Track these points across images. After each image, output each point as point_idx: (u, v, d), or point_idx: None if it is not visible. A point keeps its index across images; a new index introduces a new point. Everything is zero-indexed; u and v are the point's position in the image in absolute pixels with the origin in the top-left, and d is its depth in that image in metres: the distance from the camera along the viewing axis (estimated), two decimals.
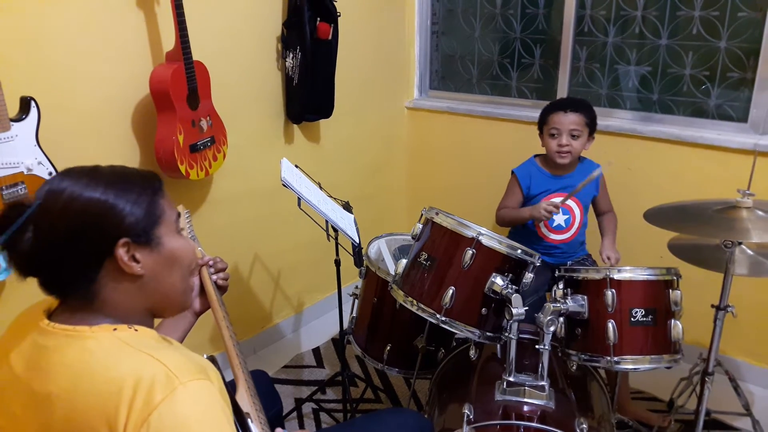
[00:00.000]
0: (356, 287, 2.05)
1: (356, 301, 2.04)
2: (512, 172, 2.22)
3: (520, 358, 1.63)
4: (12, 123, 1.60)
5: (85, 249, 0.88)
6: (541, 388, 1.53)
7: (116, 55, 1.92)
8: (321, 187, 2.03)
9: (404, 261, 1.69)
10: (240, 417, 0.95)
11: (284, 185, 1.78)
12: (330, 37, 2.44)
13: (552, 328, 1.51)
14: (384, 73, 2.99)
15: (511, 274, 1.55)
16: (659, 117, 2.50)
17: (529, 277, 1.56)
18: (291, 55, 2.41)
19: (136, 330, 0.91)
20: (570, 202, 2.10)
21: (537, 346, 1.54)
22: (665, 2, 2.39)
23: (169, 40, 1.98)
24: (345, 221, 1.94)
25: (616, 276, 1.60)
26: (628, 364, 1.59)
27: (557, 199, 2.05)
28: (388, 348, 1.88)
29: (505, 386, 1.55)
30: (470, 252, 1.52)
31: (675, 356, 1.61)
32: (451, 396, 1.68)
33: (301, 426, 2.21)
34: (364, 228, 2.12)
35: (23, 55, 1.71)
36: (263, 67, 2.41)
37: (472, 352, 1.73)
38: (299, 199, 1.80)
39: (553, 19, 2.70)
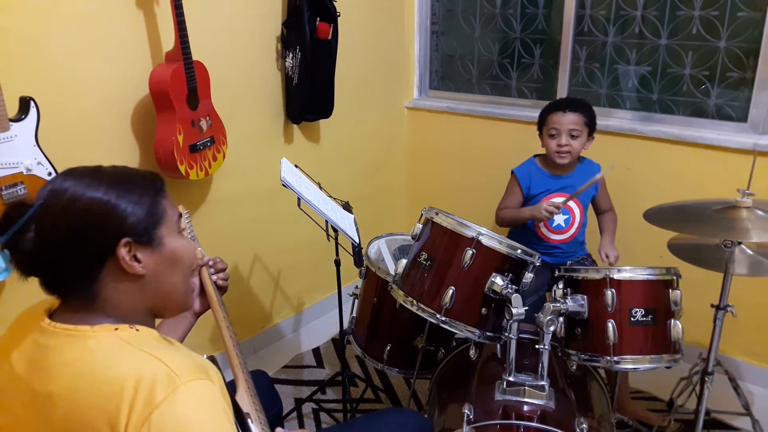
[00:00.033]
0: (356, 287, 2.05)
1: (356, 301, 2.04)
2: (512, 172, 2.22)
3: (520, 357, 1.63)
4: (11, 123, 1.60)
5: (86, 249, 0.88)
6: (541, 388, 1.53)
7: (116, 55, 1.92)
8: (321, 187, 2.03)
9: (404, 261, 1.69)
10: (240, 417, 0.95)
11: (284, 185, 1.78)
12: (330, 37, 2.44)
13: (552, 328, 1.51)
14: (384, 73, 2.99)
15: (511, 274, 1.55)
16: (659, 117, 2.50)
17: (529, 277, 1.56)
18: (291, 55, 2.41)
19: (137, 330, 0.91)
20: (570, 203, 2.10)
21: (537, 346, 1.54)
22: (665, 2, 2.40)
23: (168, 40, 1.98)
24: (345, 221, 1.94)
25: (616, 276, 1.60)
26: (628, 363, 1.59)
27: (558, 200, 2.05)
28: (388, 348, 1.88)
29: (505, 386, 1.55)
30: (470, 252, 1.52)
31: (675, 356, 1.61)
32: (451, 396, 1.68)
33: (301, 426, 2.21)
34: (364, 228, 2.12)
35: (23, 54, 1.71)
36: (263, 67, 2.41)
37: (472, 352, 1.73)
38: (299, 199, 1.80)
39: (553, 19, 2.70)
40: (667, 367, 1.61)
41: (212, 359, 0.94)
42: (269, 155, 2.47)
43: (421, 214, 1.68)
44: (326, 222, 1.88)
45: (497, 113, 2.85)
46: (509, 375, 1.55)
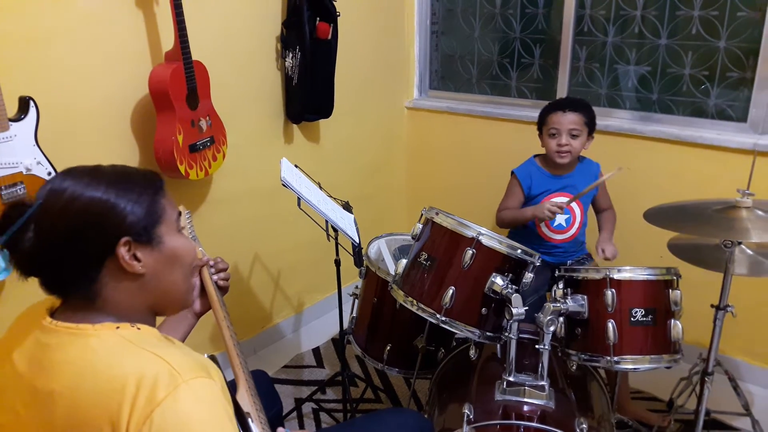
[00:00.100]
0: (356, 287, 2.05)
1: (356, 301, 2.04)
2: (512, 173, 2.22)
3: (520, 357, 1.63)
4: (11, 123, 1.60)
5: (86, 248, 0.88)
6: (541, 388, 1.53)
7: (115, 54, 1.91)
8: (321, 187, 2.03)
9: (404, 261, 1.69)
10: (241, 417, 0.95)
11: (284, 185, 1.78)
12: (329, 37, 2.44)
13: (552, 328, 1.51)
14: (384, 73, 2.99)
15: (511, 274, 1.55)
16: (659, 117, 2.50)
17: (529, 276, 1.56)
18: (290, 55, 2.41)
19: (138, 328, 0.91)
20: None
21: (537, 346, 1.54)
22: (665, 2, 2.40)
23: (168, 40, 1.98)
24: (345, 221, 1.94)
25: (616, 276, 1.60)
26: (628, 363, 1.59)
27: (559, 200, 2.06)
28: (388, 348, 1.88)
29: (505, 386, 1.55)
30: (470, 252, 1.52)
31: (675, 356, 1.61)
32: (451, 396, 1.68)
33: (301, 426, 2.21)
34: (364, 228, 2.12)
35: (22, 55, 1.71)
36: (263, 66, 2.41)
37: (472, 352, 1.73)
38: (299, 199, 1.80)
39: (553, 19, 2.70)
40: (667, 368, 1.61)
41: (213, 358, 0.94)
42: (269, 155, 2.47)
43: (421, 214, 1.68)
44: (326, 222, 1.88)
45: (497, 113, 2.85)
46: (509, 375, 1.55)
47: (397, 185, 3.26)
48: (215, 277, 1.32)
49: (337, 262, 2.06)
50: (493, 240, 1.53)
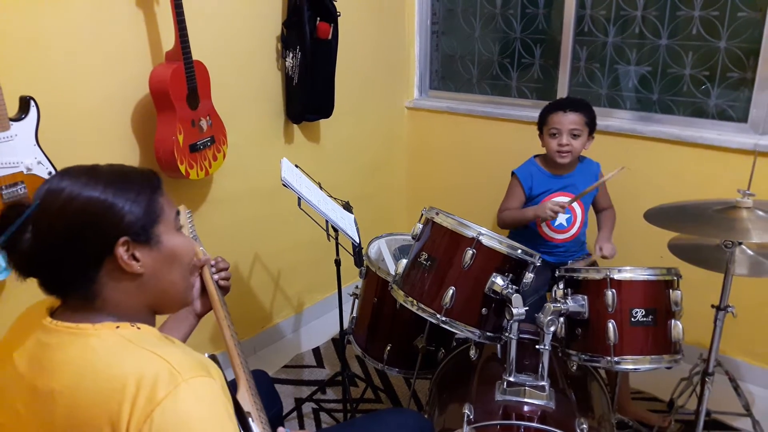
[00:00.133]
0: (356, 287, 2.05)
1: (356, 301, 2.04)
2: (513, 173, 2.22)
3: (521, 358, 1.63)
4: (11, 122, 1.60)
5: (84, 248, 0.88)
6: (542, 388, 1.53)
7: (116, 54, 1.91)
8: (321, 187, 2.03)
9: (404, 261, 1.69)
10: (241, 416, 0.95)
11: (284, 185, 1.78)
12: (330, 37, 2.44)
13: (552, 328, 1.51)
14: (384, 73, 2.99)
15: (511, 274, 1.55)
16: (659, 117, 2.50)
17: (529, 277, 1.56)
18: (291, 55, 2.41)
19: (138, 328, 0.91)
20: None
21: (537, 346, 1.54)
22: (665, 2, 2.40)
23: (168, 40, 1.98)
24: (345, 221, 1.94)
25: (617, 276, 1.60)
26: (629, 364, 1.59)
27: (563, 200, 2.06)
28: (389, 348, 1.88)
29: (505, 386, 1.55)
30: (470, 252, 1.52)
31: (675, 356, 1.61)
32: (452, 396, 1.67)
33: (301, 426, 2.21)
34: (364, 228, 2.12)
35: (23, 54, 1.71)
36: (263, 66, 2.41)
37: (472, 352, 1.73)
38: (299, 198, 1.80)
39: (553, 19, 2.70)
40: (668, 368, 1.61)
41: (213, 358, 0.94)
42: (269, 155, 2.46)
43: (422, 214, 1.68)
44: (326, 222, 1.88)
45: (497, 113, 2.85)
46: (509, 375, 1.54)
47: (397, 185, 3.26)
48: (216, 276, 1.32)
49: (338, 262, 2.06)
50: (494, 240, 1.53)
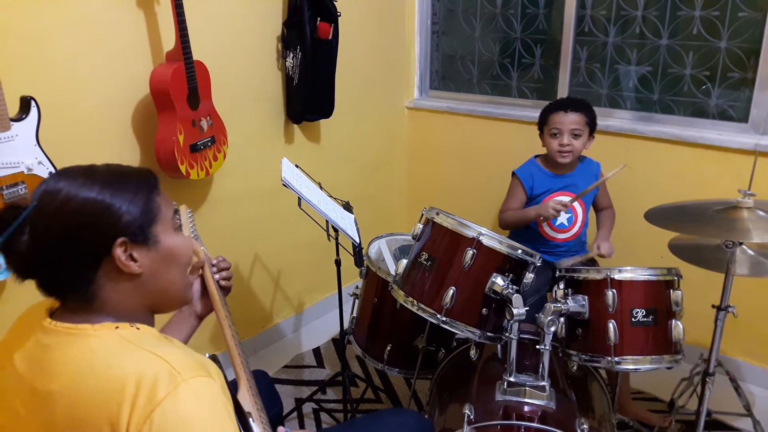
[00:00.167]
0: (357, 287, 2.05)
1: (356, 301, 2.04)
2: (514, 174, 2.22)
3: (521, 358, 1.63)
4: (12, 123, 1.60)
5: (82, 249, 0.87)
6: (542, 389, 1.53)
7: (116, 54, 1.91)
8: (321, 187, 2.03)
9: (405, 261, 1.69)
10: (242, 416, 0.95)
11: (284, 185, 1.78)
12: (330, 37, 2.44)
13: (553, 329, 1.51)
14: (384, 73, 2.99)
15: (511, 274, 1.55)
16: (659, 117, 2.50)
17: (529, 277, 1.56)
18: (291, 55, 2.41)
19: (137, 328, 0.91)
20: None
21: (538, 347, 1.54)
22: (666, 2, 2.39)
23: (169, 40, 1.98)
24: (345, 221, 1.94)
25: (617, 276, 1.60)
26: (629, 364, 1.59)
27: (563, 198, 2.06)
28: (389, 348, 1.88)
29: (505, 386, 1.55)
30: (471, 252, 1.52)
31: (676, 356, 1.61)
32: (452, 396, 1.67)
33: (302, 426, 2.21)
34: (365, 228, 2.12)
35: (23, 54, 1.71)
36: (263, 66, 2.41)
37: (472, 353, 1.73)
38: (299, 198, 1.80)
39: (554, 19, 2.70)
40: (668, 368, 1.61)
41: (214, 358, 0.94)
42: (270, 155, 2.47)
43: (422, 214, 1.67)
44: (327, 222, 1.88)
45: (498, 113, 2.85)
46: (510, 375, 1.54)
47: (397, 185, 3.26)
48: (217, 276, 1.32)
49: (338, 262, 2.06)
50: (494, 240, 1.53)
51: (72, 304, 0.91)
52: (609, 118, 2.56)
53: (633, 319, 1.59)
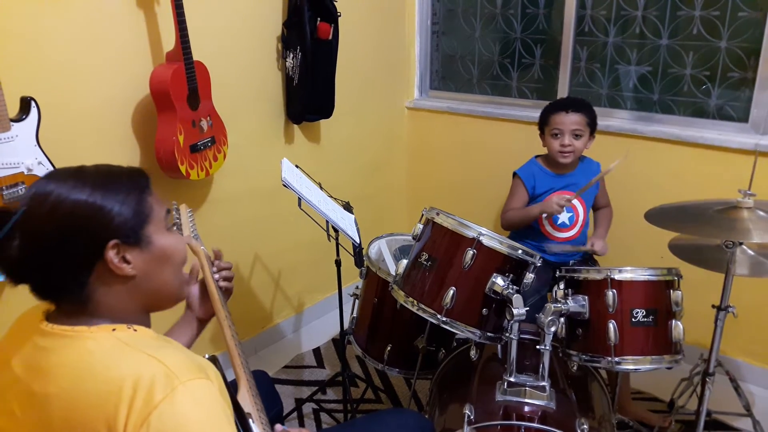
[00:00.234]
0: (357, 287, 2.05)
1: (357, 301, 2.04)
2: (515, 174, 2.22)
3: (521, 358, 1.63)
4: (12, 123, 1.60)
5: (74, 253, 0.87)
6: (542, 389, 1.53)
7: (116, 55, 1.91)
8: (321, 187, 2.03)
9: (405, 261, 1.69)
10: (241, 417, 0.95)
11: (285, 185, 1.78)
12: (330, 37, 2.44)
13: (553, 329, 1.51)
14: (384, 73, 2.99)
15: (512, 275, 1.55)
16: (660, 117, 2.50)
17: (530, 277, 1.56)
18: (291, 55, 2.41)
19: (135, 330, 0.91)
20: (573, 200, 2.10)
21: (538, 347, 1.54)
22: (666, 2, 2.39)
23: (169, 40, 1.98)
24: (345, 221, 1.94)
25: (617, 276, 1.60)
26: (629, 364, 1.59)
27: (566, 195, 2.06)
28: (389, 348, 1.88)
29: (505, 386, 1.55)
30: (471, 252, 1.52)
31: (676, 357, 1.61)
32: (452, 396, 1.67)
33: (302, 426, 2.21)
34: (365, 228, 2.12)
35: (23, 54, 1.71)
36: (263, 67, 2.41)
37: (472, 353, 1.73)
38: (299, 199, 1.80)
39: (554, 19, 2.70)
40: (668, 368, 1.61)
41: (214, 359, 0.93)
42: (270, 155, 2.47)
43: (422, 215, 1.67)
44: (327, 222, 1.88)
45: (498, 113, 2.85)
46: (510, 375, 1.54)
47: (397, 185, 3.26)
48: (217, 276, 1.32)
49: (338, 263, 2.06)
50: (494, 240, 1.53)
51: (67, 307, 0.91)
52: (609, 118, 2.56)
53: (633, 320, 1.59)
